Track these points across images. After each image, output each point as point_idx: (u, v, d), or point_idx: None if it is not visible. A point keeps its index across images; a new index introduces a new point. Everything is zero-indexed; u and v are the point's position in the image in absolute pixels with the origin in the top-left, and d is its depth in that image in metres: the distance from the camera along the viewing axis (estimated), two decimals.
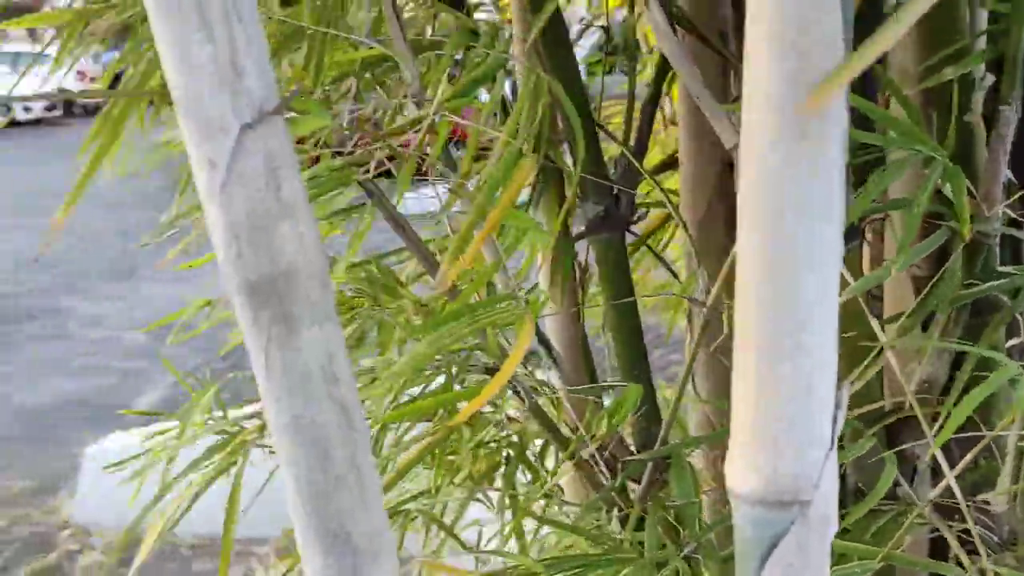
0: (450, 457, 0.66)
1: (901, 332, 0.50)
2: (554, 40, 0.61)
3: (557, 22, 0.63)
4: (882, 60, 0.69)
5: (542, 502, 0.68)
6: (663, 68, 0.70)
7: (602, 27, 0.87)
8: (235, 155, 0.34)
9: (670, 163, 0.83)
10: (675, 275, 0.84)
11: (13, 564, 3.32)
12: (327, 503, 0.36)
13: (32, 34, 30.08)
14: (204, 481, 0.68)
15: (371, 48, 0.55)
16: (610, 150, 0.70)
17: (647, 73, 1.21)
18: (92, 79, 21.14)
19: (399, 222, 0.60)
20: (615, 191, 0.64)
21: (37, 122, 18.16)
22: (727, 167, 0.76)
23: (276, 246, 0.35)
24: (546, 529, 0.65)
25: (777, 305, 0.32)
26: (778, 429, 0.33)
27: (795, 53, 0.31)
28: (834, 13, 0.31)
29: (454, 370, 0.57)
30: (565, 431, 0.68)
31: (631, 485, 0.61)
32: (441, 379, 0.61)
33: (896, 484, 0.51)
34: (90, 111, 20.71)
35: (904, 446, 0.54)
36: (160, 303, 6.26)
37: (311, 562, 0.37)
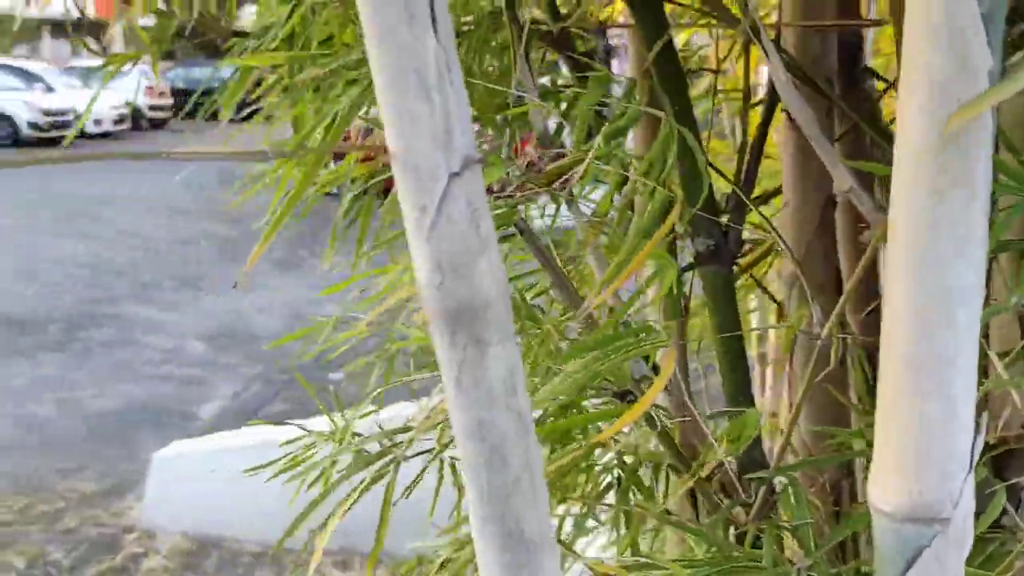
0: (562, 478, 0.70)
1: (1010, 367, 0.53)
2: (673, 83, 0.66)
3: (675, 64, 0.67)
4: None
5: (651, 521, 0.72)
6: (769, 110, 0.74)
7: (712, 71, 0.91)
8: (444, 200, 0.39)
9: (766, 198, 0.87)
10: (779, 304, 0.87)
11: (81, 564, 3.44)
12: (505, 503, 0.40)
13: (104, 49, 30.78)
14: (358, 491, 0.72)
15: (505, 93, 0.60)
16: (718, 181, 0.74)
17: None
18: (160, 93, 21.83)
19: (547, 256, 0.64)
20: (724, 226, 0.68)
21: (105, 135, 18.76)
22: (829, 205, 0.80)
23: (475, 278, 0.39)
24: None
25: (929, 338, 0.36)
26: (924, 452, 0.37)
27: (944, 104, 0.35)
28: (982, 75, 0.34)
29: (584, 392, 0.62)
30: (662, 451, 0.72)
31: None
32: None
33: (1003, 512, 0.53)
34: (156, 125, 21.37)
35: (1012, 480, 0.56)
36: (220, 313, 6.44)
37: (486, 556, 0.41)
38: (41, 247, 8.24)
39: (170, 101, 22.13)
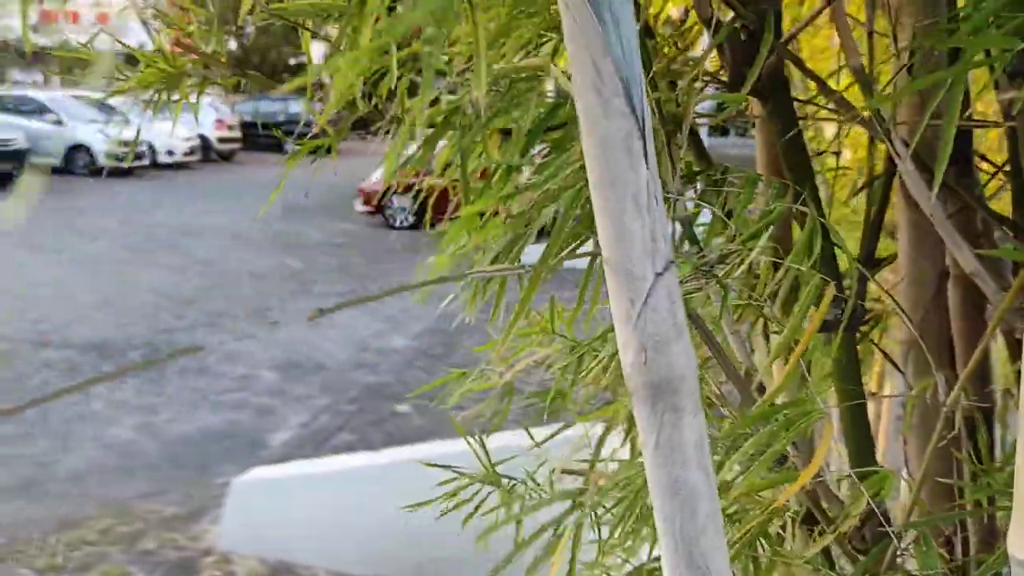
0: None
1: None
2: (802, 170, 0.73)
3: (803, 153, 0.74)
4: None
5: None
6: (885, 191, 0.81)
7: (835, 153, 0.98)
8: (649, 295, 0.47)
9: (878, 263, 0.92)
10: (900, 370, 0.93)
11: None
12: (695, 546, 0.47)
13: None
14: (540, 532, 0.77)
15: None
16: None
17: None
18: (229, 127, 22.55)
19: (713, 342, 0.72)
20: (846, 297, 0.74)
21: (177, 166, 19.42)
22: (944, 278, 0.86)
23: (672, 357, 0.47)
24: None
25: None
26: None
27: None
28: None
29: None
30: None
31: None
32: None
33: None
34: (224, 157, 22.06)
35: None
36: (290, 344, 6.62)
37: None
38: (122, 275, 8.57)
39: (238, 134, 22.87)
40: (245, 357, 6.28)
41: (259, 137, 24.94)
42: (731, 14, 0.70)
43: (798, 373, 0.64)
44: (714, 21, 0.71)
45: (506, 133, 0.78)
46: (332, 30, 1.04)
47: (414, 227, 12.55)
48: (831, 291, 0.59)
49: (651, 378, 0.47)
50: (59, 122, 17.14)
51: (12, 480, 4.20)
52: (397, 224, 12.83)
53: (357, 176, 14.38)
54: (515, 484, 0.95)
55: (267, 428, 5.11)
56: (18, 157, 14.73)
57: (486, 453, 1.05)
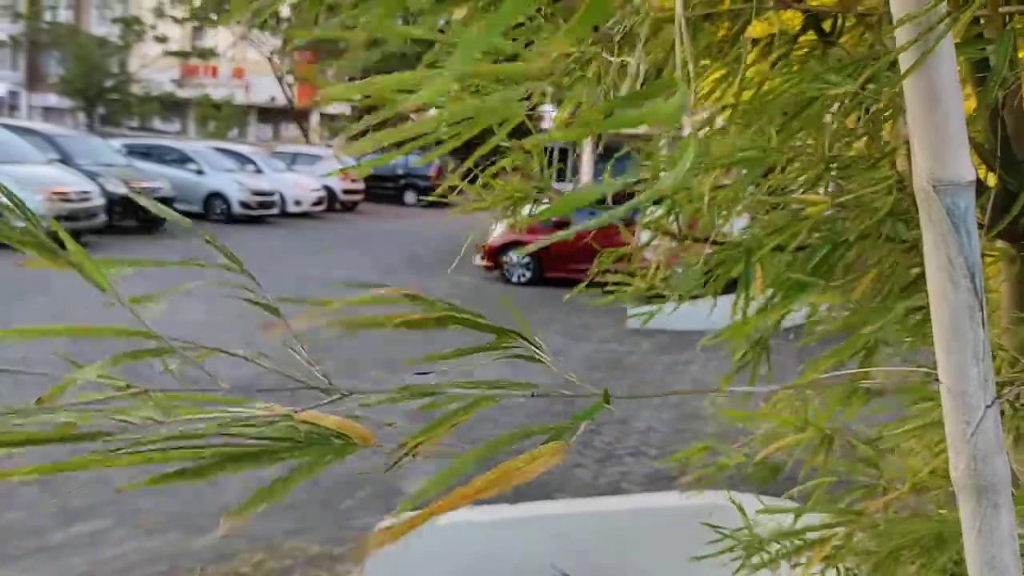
0: None
1: None
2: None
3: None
4: None
5: None
6: None
7: None
8: (981, 420, 0.61)
9: None
10: None
11: None
12: None
13: (306, 136, 33.48)
14: None
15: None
16: None
17: None
18: (353, 179, 23.58)
19: None
20: None
21: (304, 215, 20.44)
22: None
23: (995, 468, 0.61)
24: None
25: None
26: None
27: None
28: None
29: None
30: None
31: None
32: None
33: None
34: (348, 208, 23.09)
35: None
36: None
37: None
38: (250, 326, 9.08)
39: (362, 185, 23.92)
40: (378, 406, 6.55)
41: (381, 189, 26.05)
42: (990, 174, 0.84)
43: None
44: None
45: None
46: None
47: (530, 283, 12.82)
48: None
49: (978, 482, 0.61)
50: (200, 172, 18.34)
51: (167, 513, 4.53)
52: (514, 279, 13.12)
53: (477, 231, 14.85)
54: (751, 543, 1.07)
55: (402, 475, 5.34)
56: (164, 203, 15.79)
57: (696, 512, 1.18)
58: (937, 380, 0.63)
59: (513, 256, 13.00)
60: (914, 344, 1.04)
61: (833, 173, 0.96)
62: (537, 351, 0.73)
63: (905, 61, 0.64)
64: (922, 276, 0.93)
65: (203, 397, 0.62)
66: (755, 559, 1.08)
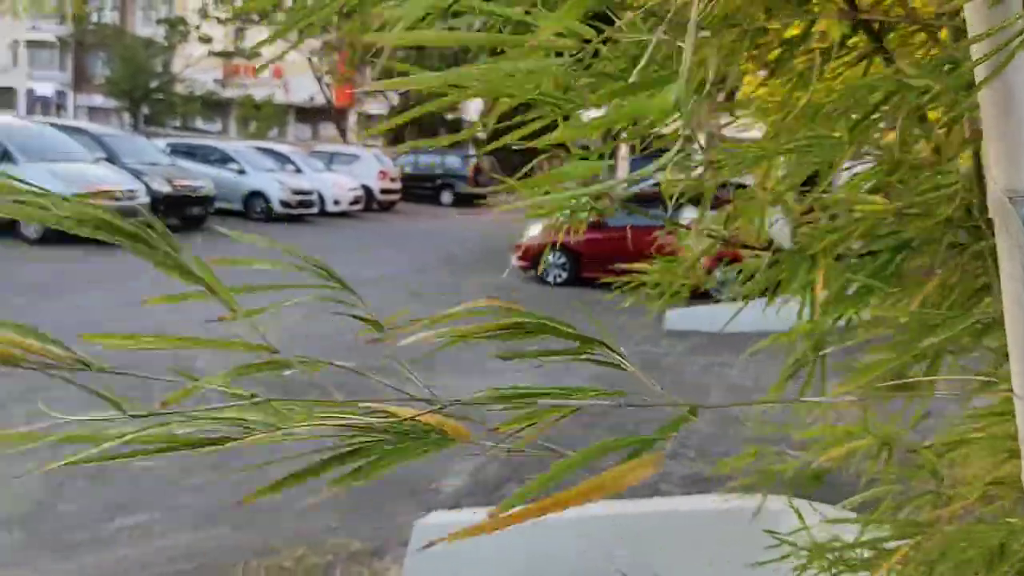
0: None
1: None
2: None
3: None
4: None
5: None
6: None
7: None
8: None
9: None
10: None
11: None
12: None
13: (343, 135, 33.78)
14: None
15: None
16: None
17: None
18: (392, 179, 23.75)
19: None
20: None
21: (343, 214, 20.63)
22: None
23: None
24: None
25: None
26: None
27: None
28: None
29: None
30: None
31: None
32: None
33: None
34: (385, 207, 23.25)
35: None
36: (456, 392, 6.92)
37: None
38: (297, 322, 9.20)
39: (399, 185, 24.08)
40: (416, 405, 6.61)
41: (418, 188, 26.20)
42: None
43: None
44: None
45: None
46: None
47: (566, 283, 12.82)
48: None
49: None
50: (241, 171, 18.60)
51: (214, 507, 4.61)
52: (550, 280, 13.13)
53: (513, 230, 14.91)
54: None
55: (439, 475, 5.38)
56: (206, 202, 16.09)
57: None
58: (1010, 390, 0.64)
59: (550, 257, 13.01)
60: (973, 352, 1.04)
61: (896, 177, 0.96)
62: (621, 359, 0.74)
63: (980, 72, 0.64)
64: (988, 285, 0.93)
65: (316, 402, 0.66)
66: (816, 567, 1.08)
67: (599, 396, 0.73)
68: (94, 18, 40.50)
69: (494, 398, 0.69)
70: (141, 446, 0.59)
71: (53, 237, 12.37)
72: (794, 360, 1.28)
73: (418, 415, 0.69)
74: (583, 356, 0.77)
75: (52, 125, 15.20)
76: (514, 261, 13.36)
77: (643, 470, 0.59)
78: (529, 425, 0.73)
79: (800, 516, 1.15)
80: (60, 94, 43.72)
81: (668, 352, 9.13)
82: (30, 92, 43.34)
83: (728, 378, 8.17)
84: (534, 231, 13.37)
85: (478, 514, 4.37)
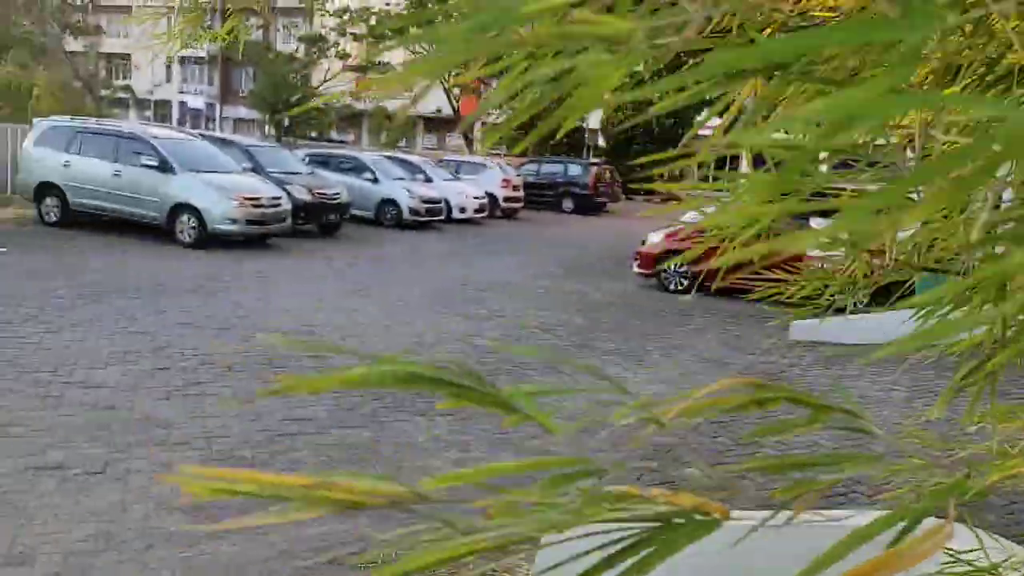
0: None
1: None
2: None
3: None
4: None
5: None
6: None
7: None
8: None
9: None
10: None
11: None
12: None
13: (469, 146, 34.40)
14: None
15: None
16: None
17: None
18: (515, 187, 24.14)
19: None
20: None
21: (467, 221, 21.15)
22: None
23: None
24: None
25: None
26: None
27: None
28: None
29: None
30: None
31: None
32: None
33: None
34: (507, 214, 23.67)
35: None
36: (580, 397, 7.08)
37: None
38: (428, 323, 9.59)
39: (522, 193, 24.47)
40: (544, 408, 6.81)
41: (540, 196, 26.54)
42: None
43: None
44: None
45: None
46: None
47: (687, 291, 12.75)
48: None
49: None
50: (375, 180, 19.37)
51: None
52: (671, 287, 13.09)
53: (632, 238, 14.94)
54: None
55: None
56: (342, 209, 16.88)
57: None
58: None
59: (671, 264, 12.98)
60: None
61: None
62: (868, 425, 0.76)
63: None
64: None
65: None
66: None
67: (863, 463, 0.75)
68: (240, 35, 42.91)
69: (763, 467, 0.72)
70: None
71: (202, 243, 13.33)
72: (963, 376, 1.32)
73: (670, 497, 0.65)
74: (820, 422, 0.76)
75: (204, 137, 16.33)
76: (635, 268, 13.40)
77: (931, 545, 0.57)
78: (799, 495, 0.72)
79: (978, 538, 1.19)
80: (209, 106, 46.65)
81: (794, 363, 8.98)
82: (182, 104, 46.47)
83: (858, 390, 7.97)
84: (654, 238, 13.37)
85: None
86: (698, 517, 0.64)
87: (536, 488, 0.66)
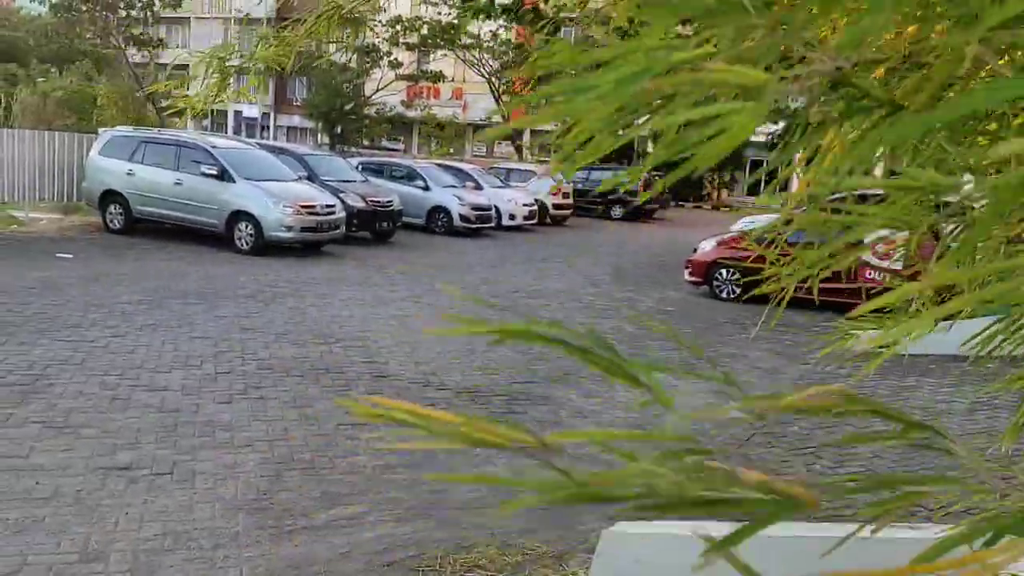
0: None
1: None
2: None
3: None
4: None
5: None
6: None
7: None
8: None
9: None
10: None
11: None
12: None
13: (519, 153, 34.53)
14: None
15: None
16: None
17: None
18: (564, 195, 24.15)
19: None
20: None
21: (516, 228, 21.23)
22: None
23: None
24: None
25: None
26: None
27: None
28: None
29: None
30: None
31: None
32: None
33: None
34: (556, 221, 23.70)
35: None
36: (632, 405, 7.09)
37: None
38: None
39: (571, 201, 24.49)
40: (592, 415, 6.84)
41: (589, 204, 26.53)
42: None
43: None
44: None
45: None
46: None
47: (738, 299, 12.64)
48: None
49: None
50: (426, 187, 19.57)
51: (416, 503, 5.00)
52: (723, 295, 12.98)
53: (681, 246, 14.87)
54: None
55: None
56: (394, 216, 17.09)
57: None
58: None
59: (722, 272, 12.89)
60: None
61: None
62: (952, 445, 0.78)
63: None
64: None
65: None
66: None
67: (945, 483, 0.78)
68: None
69: (855, 482, 0.73)
70: None
71: (259, 250, 13.62)
72: None
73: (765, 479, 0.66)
74: (907, 439, 0.77)
75: (261, 146, 16.68)
76: (686, 276, 13.32)
77: (1008, 557, 0.59)
78: (887, 511, 0.75)
79: None
80: (264, 115, 47.56)
81: (851, 374, 8.85)
82: (238, 114, 47.42)
83: (918, 401, 7.84)
84: (706, 246, 13.29)
85: (665, 525, 4.52)
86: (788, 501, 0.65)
87: (648, 459, 0.69)
